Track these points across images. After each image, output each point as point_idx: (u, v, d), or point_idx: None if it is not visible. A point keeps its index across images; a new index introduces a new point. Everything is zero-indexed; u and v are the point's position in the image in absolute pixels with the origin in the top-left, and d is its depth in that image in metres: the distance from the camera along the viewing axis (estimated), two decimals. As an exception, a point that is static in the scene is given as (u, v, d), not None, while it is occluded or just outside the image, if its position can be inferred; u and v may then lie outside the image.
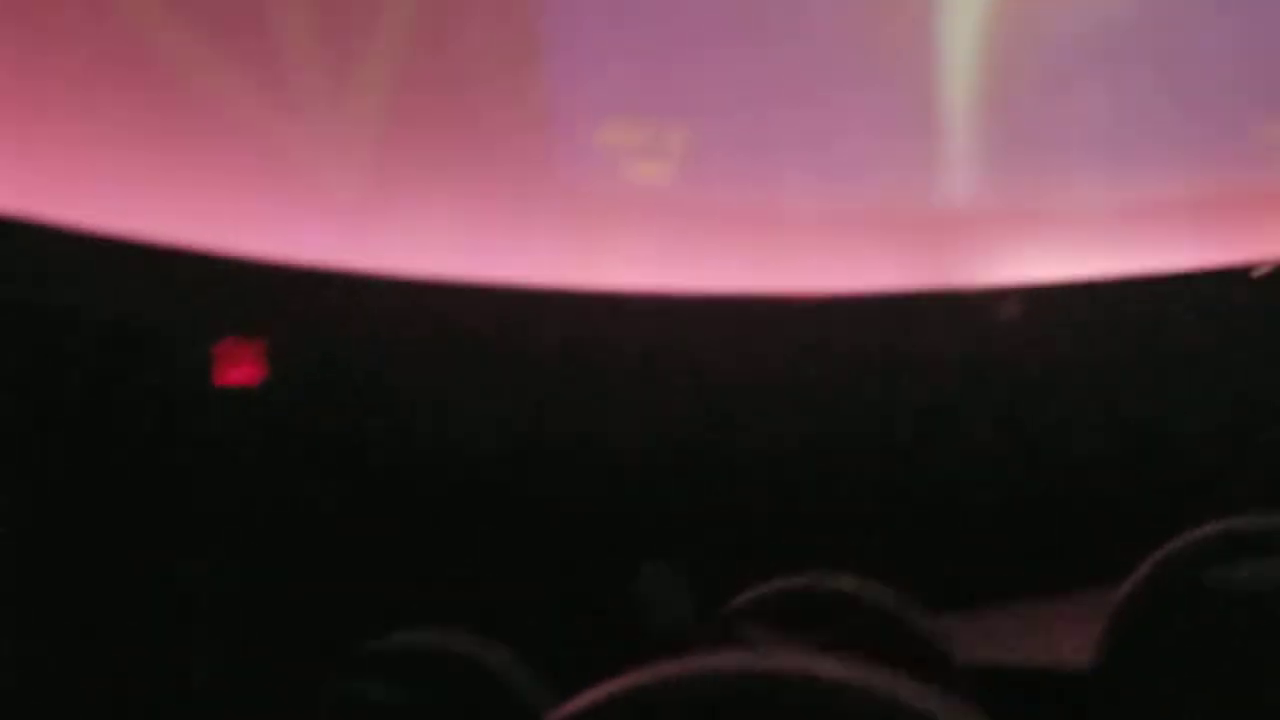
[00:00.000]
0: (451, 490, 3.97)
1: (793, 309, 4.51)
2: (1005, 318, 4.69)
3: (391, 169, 3.85)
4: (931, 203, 4.81)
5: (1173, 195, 4.79)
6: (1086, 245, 4.81)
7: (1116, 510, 4.27)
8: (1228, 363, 4.66)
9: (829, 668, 1.05)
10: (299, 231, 3.70)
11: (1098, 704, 1.96)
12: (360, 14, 3.79)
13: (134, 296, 3.36)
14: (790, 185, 4.63)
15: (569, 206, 4.24)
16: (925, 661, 2.09)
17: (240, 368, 3.57)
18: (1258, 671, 1.85)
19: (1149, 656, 1.92)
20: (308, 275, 3.68)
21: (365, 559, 3.59)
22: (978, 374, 4.65)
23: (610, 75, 4.33)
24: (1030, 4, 4.89)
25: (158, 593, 3.20)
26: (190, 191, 3.50)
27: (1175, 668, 1.88)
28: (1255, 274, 4.78)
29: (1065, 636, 3.16)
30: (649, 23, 4.45)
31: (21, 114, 3.26)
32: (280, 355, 3.61)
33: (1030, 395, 4.60)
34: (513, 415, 4.08)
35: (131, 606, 3.14)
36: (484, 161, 4.09)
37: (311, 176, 3.70)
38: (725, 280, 4.42)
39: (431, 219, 3.95)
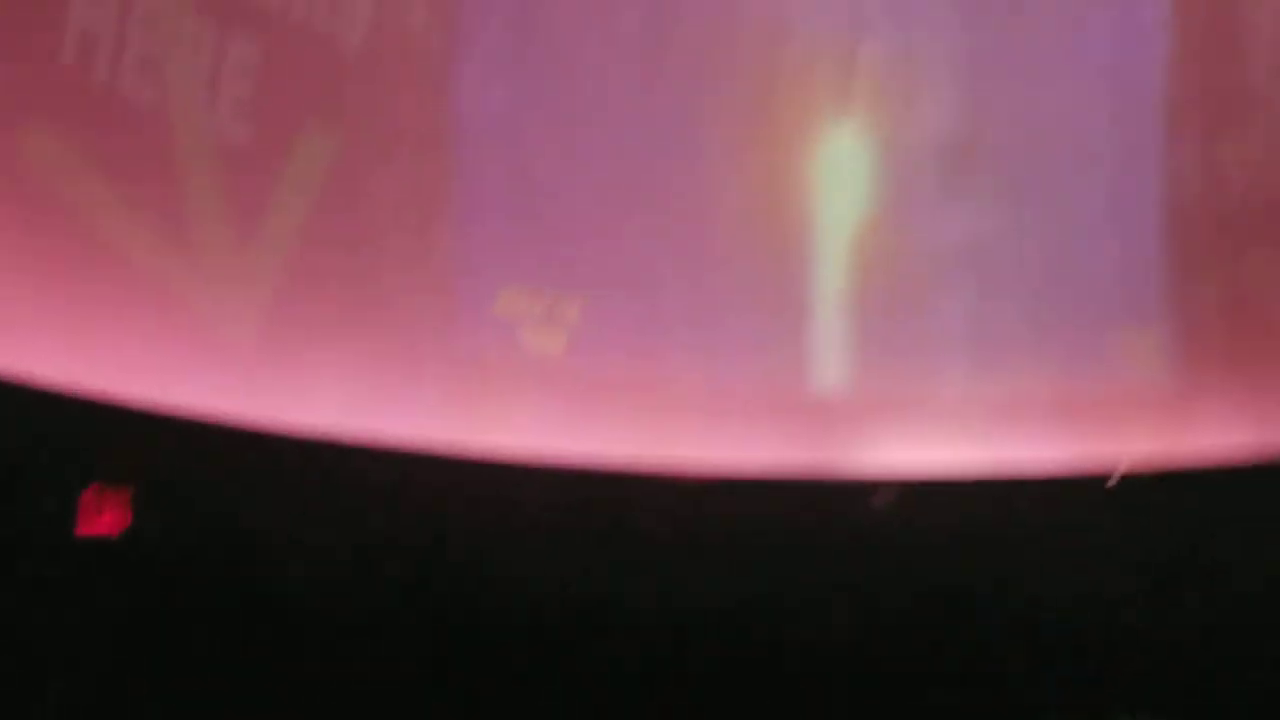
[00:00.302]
0: (323, 644, 3.94)
1: (673, 482, 4.62)
2: (877, 505, 4.86)
3: (288, 323, 3.89)
4: (810, 387, 5.04)
5: (1035, 395, 5.06)
6: (953, 438, 5.05)
7: (965, 694, 4.40)
8: (1085, 563, 4.89)
9: None
10: (188, 380, 3.69)
11: None
12: (268, 168, 3.87)
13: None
14: (678, 362, 4.79)
15: (463, 371, 4.29)
16: None
17: (105, 516, 3.52)
18: None
19: None
20: (187, 425, 3.68)
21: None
22: (845, 557, 4.80)
23: (512, 245, 4.47)
24: (904, 213, 5.23)
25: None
26: (82, 334, 3.49)
27: None
28: (1111, 478, 5.04)
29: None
30: (552, 196, 4.64)
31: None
32: (153, 504, 3.58)
33: (895, 582, 4.75)
34: (389, 571, 4.09)
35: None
36: (382, 321, 4.15)
37: (207, 326, 3.72)
38: (610, 451, 4.57)
39: (324, 375, 3.97)
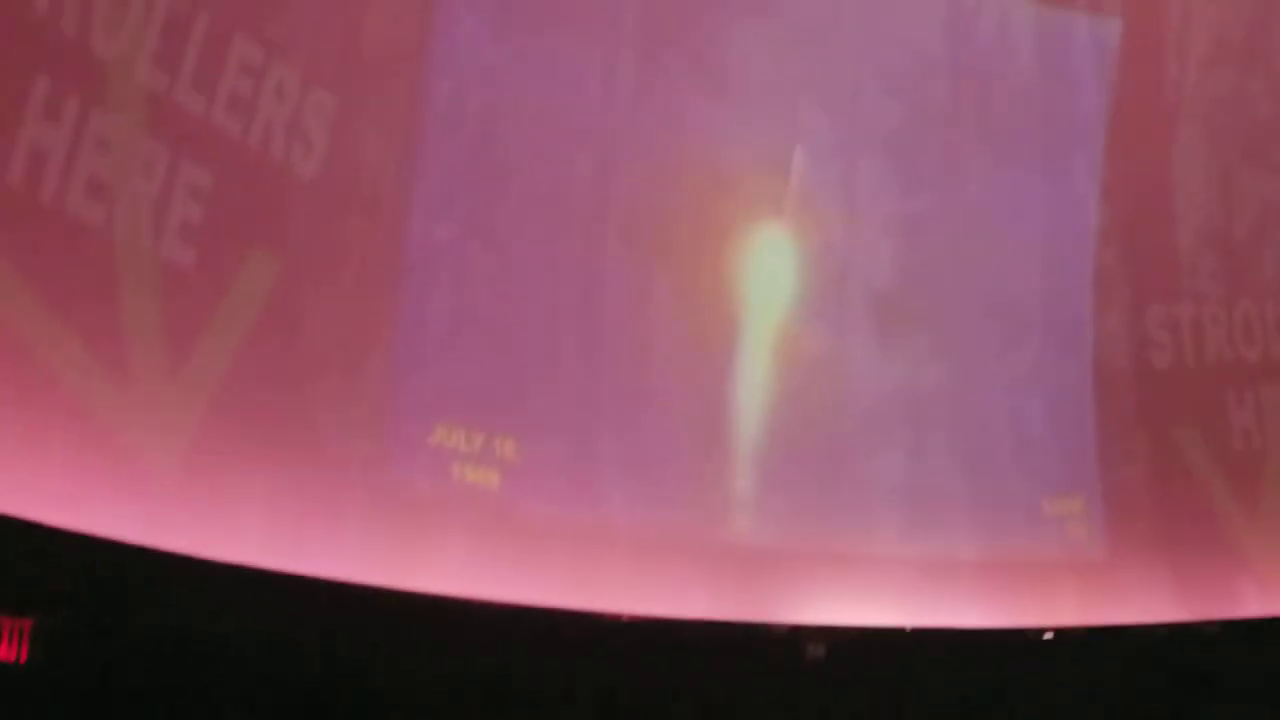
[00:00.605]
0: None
1: (601, 625, 4.56)
2: (804, 656, 4.83)
3: (215, 452, 3.79)
4: (742, 536, 5.03)
5: (965, 553, 5.11)
6: (884, 592, 5.06)
7: None
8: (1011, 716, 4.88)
9: None
10: (108, 507, 3.57)
11: None
12: (209, 294, 3.82)
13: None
14: (610, 505, 4.77)
15: (393, 505, 4.22)
16: None
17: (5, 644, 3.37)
18: None
19: None
20: (102, 548, 3.56)
21: None
22: (772, 705, 4.74)
23: (450, 380, 4.45)
24: (842, 363, 5.32)
25: None
26: (3, 456, 3.38)
27: None
28: (1034, 635, 5.07)
29: None
30: (493, 333, 4.64)
31: None
32: (59, 634, 3.44)
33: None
34: (295, 700, 3.96)
35: None
36: (311, 452, 4.06)
37: (132, 453, 3.61)
38: (539, 593, 4.48)
39: (248, 506, 3.86)
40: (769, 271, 5.33)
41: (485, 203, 4.72)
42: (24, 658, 3.41)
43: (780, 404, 5.13)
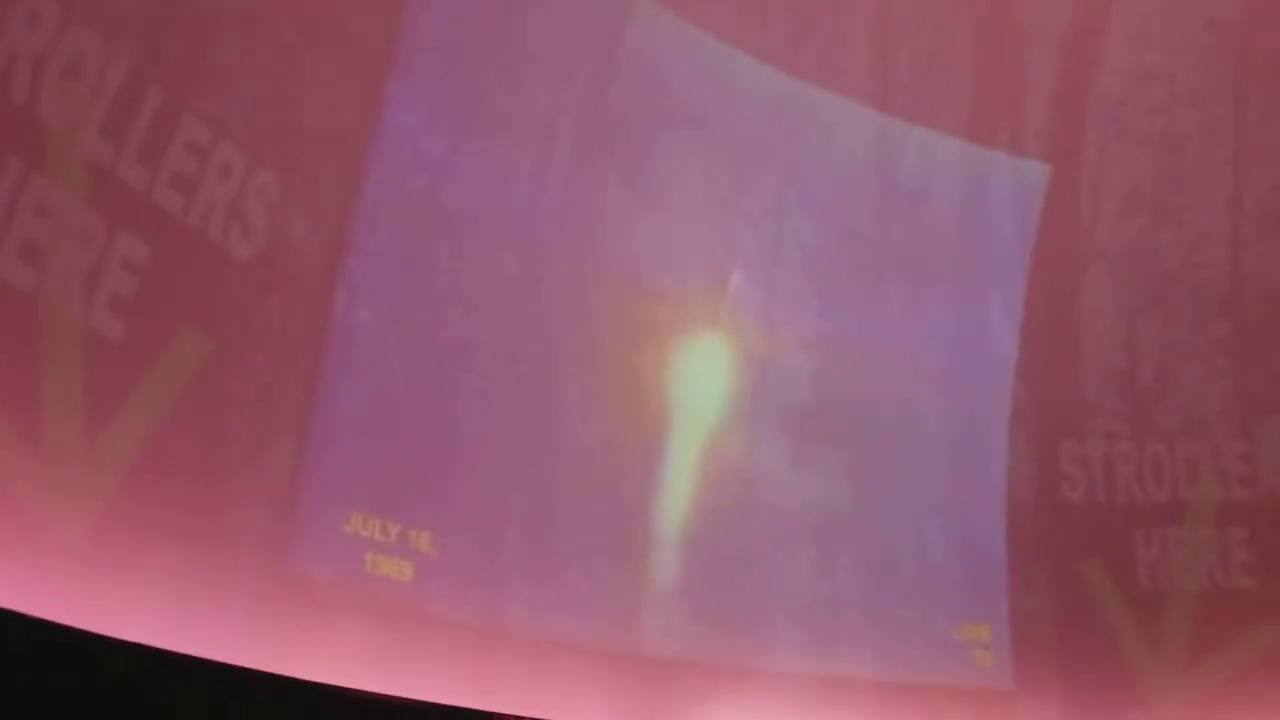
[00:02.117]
0: None
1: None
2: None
3: (121, 530, 3.69)
4: (643, 643, 5.02)
5: (863, 674, 5.15)
6: (783, 710, 5.07)
7: None
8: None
9: None
10: (9, 578, 3.47)
11: None
12: (133, 368, 3.76)
13: None
14: (515, 604, 4.73)
15: (301, 592, 4.14)
16: None
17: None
18: None
19: None
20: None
21: None
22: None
23: (368, 468, 4.41)
24: (751, 474, 5.40)
25: None
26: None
27: None
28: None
29: None
30: (412, 423, 4.62)
31: None
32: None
33: None
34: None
35: None
36: (222, 534, 3.97)
37: (36, 527, 3.51)
38: (437, 690, 4.40)
39: (151, 585, 3.77)
40: (689, 381, 5.42)
41: (409, 292, 4.74)
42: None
43: (691, 513, 5.17)
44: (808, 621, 5.25)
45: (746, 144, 5.77)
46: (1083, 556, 5.50)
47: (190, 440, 3.97)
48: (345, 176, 4.60)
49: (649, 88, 5.55)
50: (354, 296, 4.55)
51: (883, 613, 5.36)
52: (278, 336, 4.25)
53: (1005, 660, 5.55)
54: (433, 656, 4.44)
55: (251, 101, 4.06)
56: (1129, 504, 5.45)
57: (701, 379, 5.46)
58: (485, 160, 5.02)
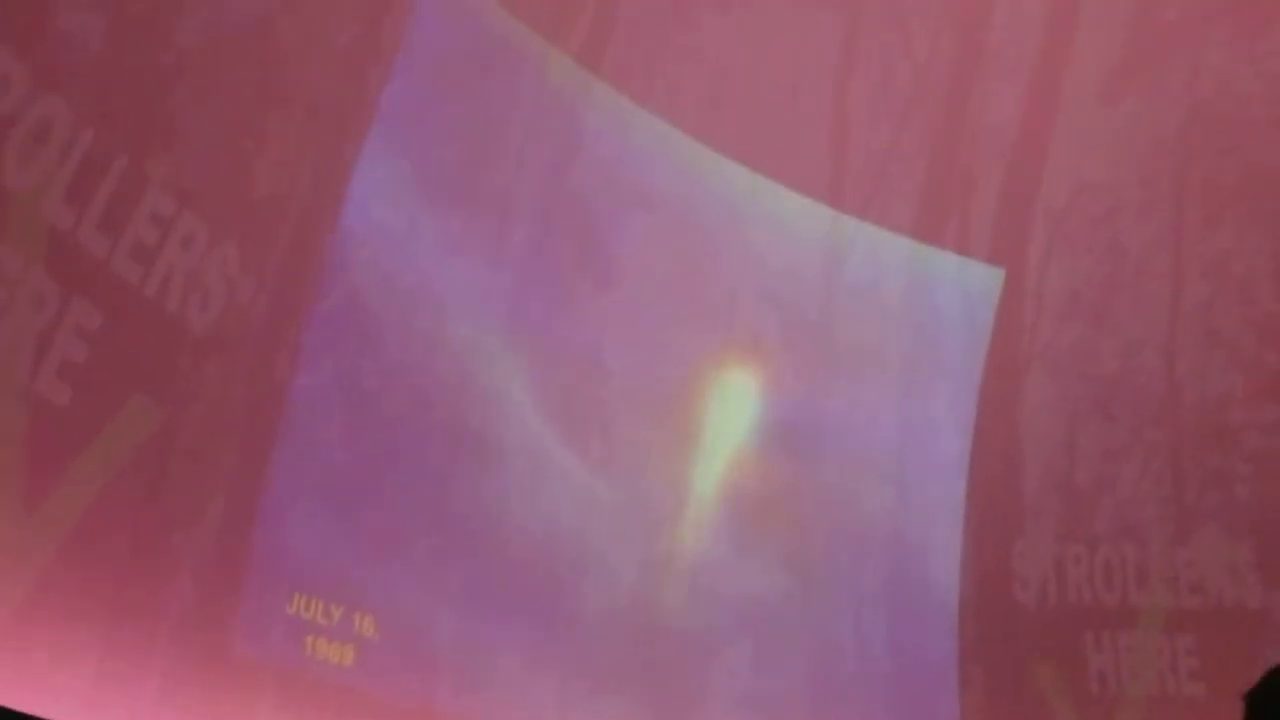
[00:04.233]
0: None
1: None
2: None
3: (51, 605, 3.57)
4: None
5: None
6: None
7: None
8: None
9: None
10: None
11: None
12: (78, 437, 3.66)
13: None
14: (447, 695, 4.63)
15: (239, 673, 4.01)
16: None
17: None
18: None
19: None
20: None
21: None
22: None
23: (314, 548, 4.31)
24: (692, 560, 5.37)
25: None
26: None
27: None
28: None
29: None
30: (359, 503, 4.55)
31: None
32: None
33: None
34: None
35: None
36: (156, 612, 3.85)
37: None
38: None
39: (82, 664, 3.62)
40: (635, 464, 5.40)
41: (357, 363, 4.70)
42: None
43: (630, 600, 5.12)
44: (746, 715, 5.20)
45: (700, 231, 5.82)
46: (1033, 658, 5.52)
47: (133, 513, 3.84)
48: (301, 244, 4.55)
49: (607, 170, 5.59)
50: (303, 366, 4.49)
51: (822, 709, 5.33)
52: (226, 407, 4.16)
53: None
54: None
55: (215, 171, 4.01)
56: (1080, 607, 5.50)
57: (648, 463, 5.45)
58: (441, 233, 5.01)
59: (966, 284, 6.09)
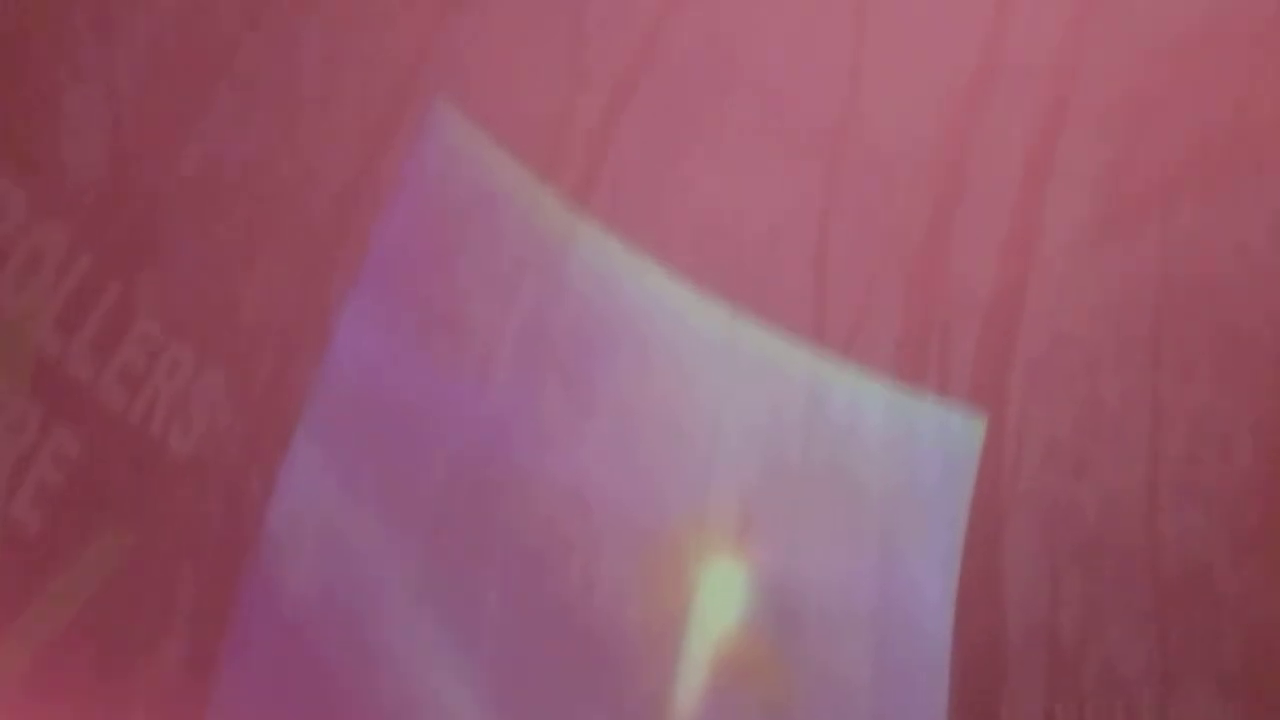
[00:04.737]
0: None
1: None
2: None
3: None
4: None
5: None
6: None
7: None
8: None
9: None
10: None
11: None
12: (48, 563, 3.58)
13: None
14: None
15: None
16: None
17: None
18: None
19: None
20: None
21: None
22: None
23: (275, 704, 4.21)
24: (664, 711, 5.25)
25: None
26: None
27: None
28: None
29: None
30: (326, 653, 4.44)
31: None
32: None
33: None
34: None
35: None
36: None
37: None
38: None
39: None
40: (617, 601, 5.33)
41: (335, 494, 4.65)
42: None
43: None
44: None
45: (683, 369, 5.86)
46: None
47: (99, 643, 3.76)
48: (285, 373, 4.56)
49: (592, 305, 5.65)
50: (279, 495, 4.44)
51: None
52: (196, 535, 4.10)
53: None
54: None
55: (206, 298, 4.04)
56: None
57: (629, 599, 5.38)
58: (426, 364, 5.03)
59: (947, 430, 6.11)
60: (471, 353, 5.28)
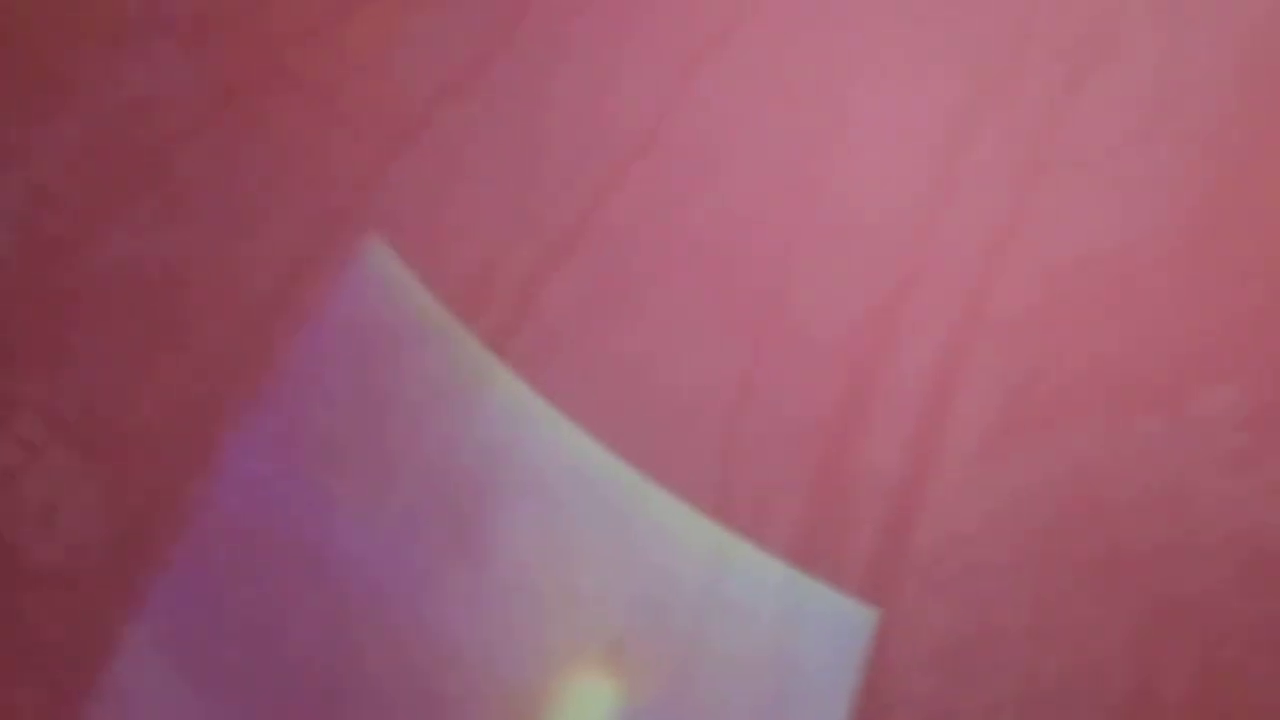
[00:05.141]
0: None
1: None
2: None
3: None
4: None
5: None
6: None
7: None
8: None
9: None
10: None
11: None
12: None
13: None
14: None
15: None
16: None
17: None
18: None
19: None
20: None
21: None
22: None
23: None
24: None
25: None
26: None
27: None
28: None
29: None
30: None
31: None
32: None
33: None
34: None
35: None
36: None
37: None
38: None
39: None
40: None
41: (203, 628, 4.50)
42: None
43: None
44: None
45: (583, 529, 5.83)
46: None
47: None
48: (169, 489, 4.44)
49: (497, 453, 5.62)
50: (142, 617, 4.28)
51: None
52: (48, 653, 3.94)
53: None
54: None
55: (96, 403, 3.96)
56: None
57: None
58: (315, 496, 4.94)
59: (839, 619, 6.09)
60: (365, 489, 5.21)
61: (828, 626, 6.25)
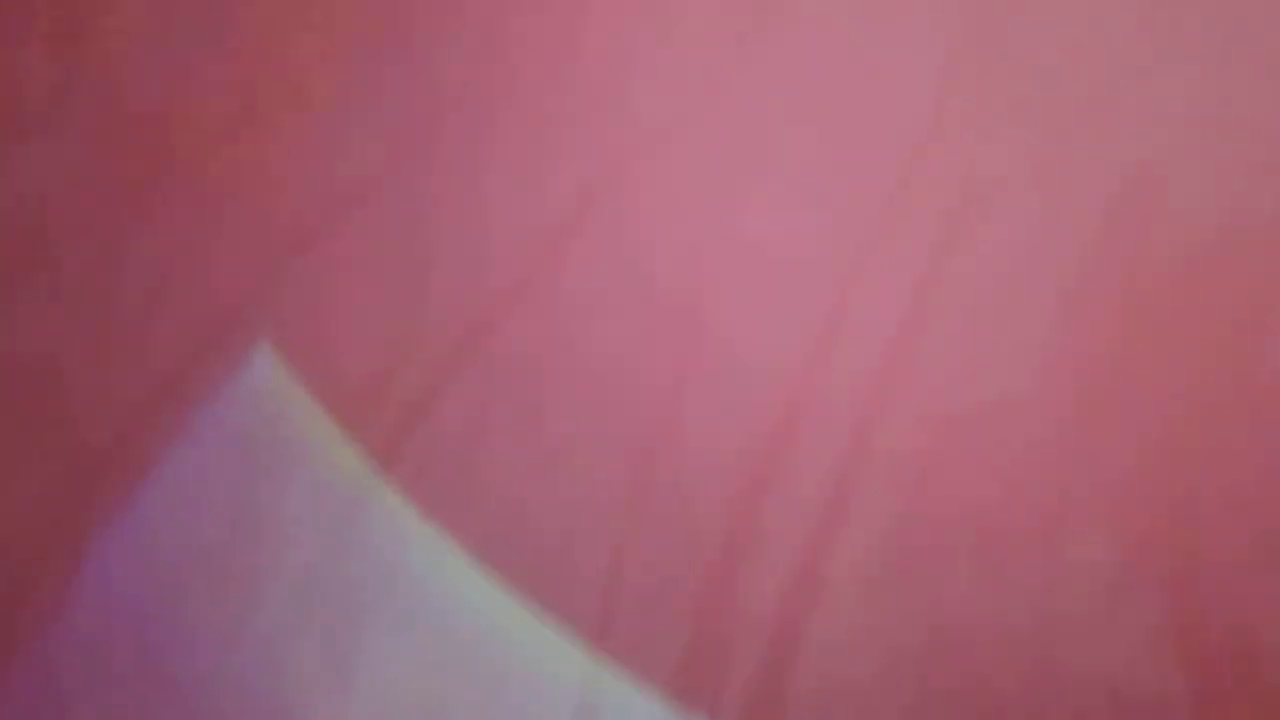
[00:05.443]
0: None
1: None
2: None
3: None
4: None
5: None
6: None
7: None
8: None
9: None
10: None
11: None
12: None
13: None
14: None
15: None
16: None
17: None
18: None
19: None
20: None
21: None
22: None
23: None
24: None
25: None
26: None
27: None
28: None
29: None
30: None
31: None
32: None
33: None
34: None
35: None
36: None
37: None
38: None
39: None
40: None
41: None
42: None
43: None
44: None
45: (456, 649, 5.67)
46: None
47: None
48: (22, 596, 4.21)
49: (372, 568, 5.46)
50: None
51: None
52: None
53: None
54: None
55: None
56: None
57: None
58: (178, 608, 4.72)
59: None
60: (232, 601, 5.00)
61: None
